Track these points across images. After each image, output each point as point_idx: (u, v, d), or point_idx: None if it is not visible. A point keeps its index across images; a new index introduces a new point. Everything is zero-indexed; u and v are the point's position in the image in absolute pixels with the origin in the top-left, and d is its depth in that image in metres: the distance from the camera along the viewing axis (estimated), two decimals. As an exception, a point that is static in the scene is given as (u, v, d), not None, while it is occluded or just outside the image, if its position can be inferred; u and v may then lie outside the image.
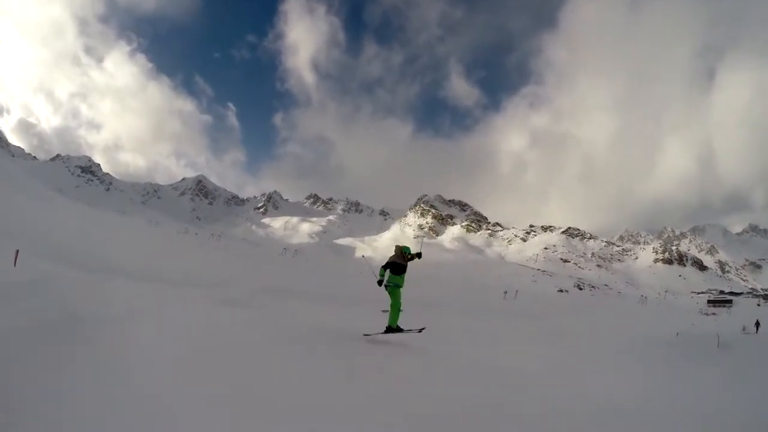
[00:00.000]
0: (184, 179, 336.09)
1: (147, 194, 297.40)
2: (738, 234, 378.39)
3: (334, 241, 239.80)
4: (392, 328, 7.65)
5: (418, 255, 7.96)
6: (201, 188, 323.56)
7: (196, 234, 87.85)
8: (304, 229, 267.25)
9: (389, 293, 7.67)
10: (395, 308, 7.62)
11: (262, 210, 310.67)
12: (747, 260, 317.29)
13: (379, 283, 7.61)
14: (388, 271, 7.61)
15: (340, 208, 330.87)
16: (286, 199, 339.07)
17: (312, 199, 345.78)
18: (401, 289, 7.74)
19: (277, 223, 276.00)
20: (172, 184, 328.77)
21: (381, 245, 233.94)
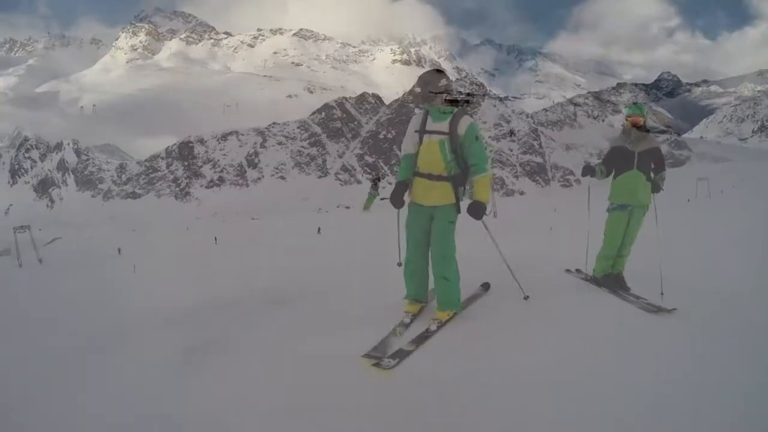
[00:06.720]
0: None
1: None
2: (476, 45, 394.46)
3: (36, 89, 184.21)
4: None
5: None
6: None
7: None
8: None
9: None
10: None
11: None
12: (482, 69, 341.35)
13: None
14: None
15: (41, 46, 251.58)
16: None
17: (8, 45, 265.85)
18: None
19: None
20: None
21: (90, 81, 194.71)
